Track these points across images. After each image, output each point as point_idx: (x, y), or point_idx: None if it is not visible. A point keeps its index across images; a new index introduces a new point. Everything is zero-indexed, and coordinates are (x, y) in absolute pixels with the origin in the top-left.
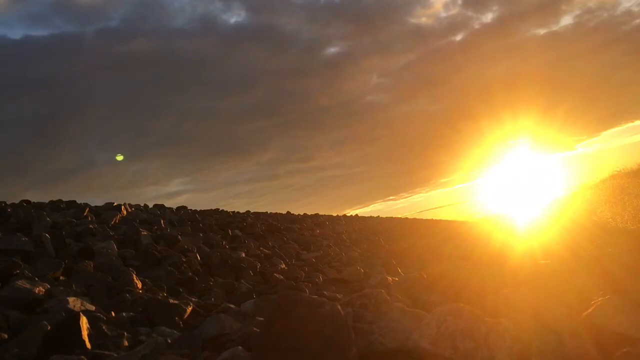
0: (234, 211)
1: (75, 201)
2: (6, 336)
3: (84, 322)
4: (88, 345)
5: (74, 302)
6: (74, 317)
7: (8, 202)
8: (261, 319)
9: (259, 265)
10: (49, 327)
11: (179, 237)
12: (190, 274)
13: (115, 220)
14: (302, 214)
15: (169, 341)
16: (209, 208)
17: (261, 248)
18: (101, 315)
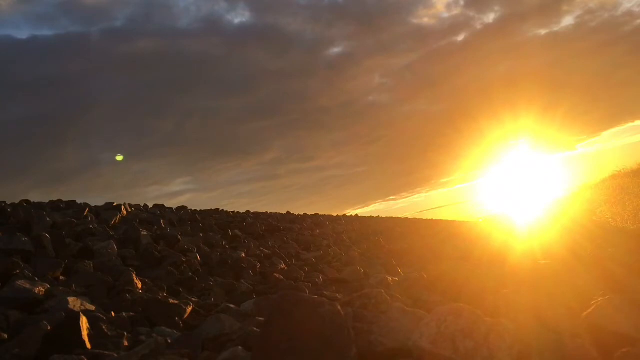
0: (234, 211)
1: (75, 201)
2: (6, 336)
3: (84, 322)
4: (88, 345)
5: (74, 302)
6: (74, 317)
7: (8, 202)
8: (261, 319)
9: (259, 265)
10: (49, 327)
11: (179, 237)
12: (190, 274)
13: (115, 220)
14: (302, 214)
15: (169, 341)
16: (210, 208)
17: (261, 248)
18: (101, 315)
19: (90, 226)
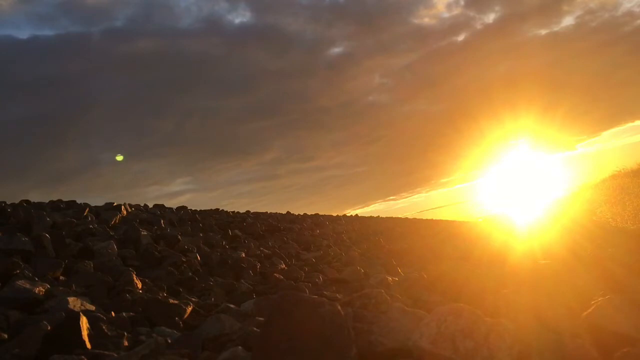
0: (234, 211)
1: (75, 201)
2: (6, 336)
3: (84, 322)
4: (88, 345)
5: (74, 302)
6: (74, 317)
7: (8, 202)
8: (261, 319)
9: (259, 265)
10: (49, 327)
11: (179, 237)
12: (190, 274)
13: (115, 220)
14: (302, 214)
15: (169, 341)
16: (210, 208)
17: (261, 248)
18: (101, 315)
19: (90, 226)
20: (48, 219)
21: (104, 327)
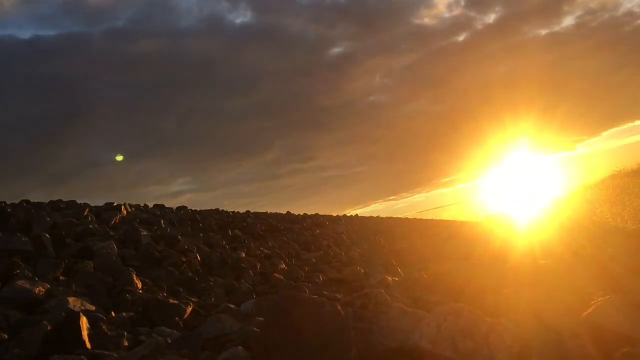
0: (234, 211)
1: (75, 201)
2: (6, 336)
3: (84, 322)
4: (88, 345)
5: (74, 302)
6: (74, 317)
7: (8, 202)
8: (261, 319)
9: (259, 265)
10: (49, 327)
11: (179, 237)
12: (190, 274)
13: (115, 220)
14: (302, 214)
15: (169, 341)
16: (210, 208)
17: (261, 248)
18: (101, 315)
19: (90, 226)
20: (48, 219)
21: (104, 327)
